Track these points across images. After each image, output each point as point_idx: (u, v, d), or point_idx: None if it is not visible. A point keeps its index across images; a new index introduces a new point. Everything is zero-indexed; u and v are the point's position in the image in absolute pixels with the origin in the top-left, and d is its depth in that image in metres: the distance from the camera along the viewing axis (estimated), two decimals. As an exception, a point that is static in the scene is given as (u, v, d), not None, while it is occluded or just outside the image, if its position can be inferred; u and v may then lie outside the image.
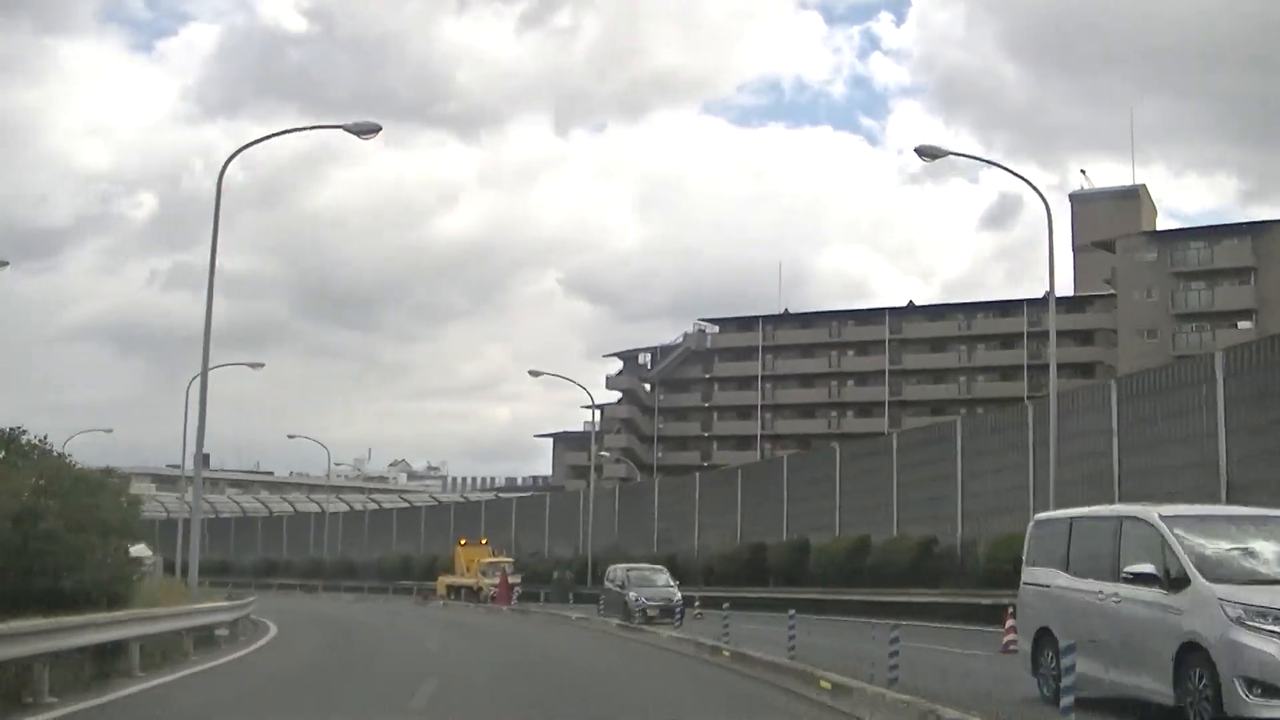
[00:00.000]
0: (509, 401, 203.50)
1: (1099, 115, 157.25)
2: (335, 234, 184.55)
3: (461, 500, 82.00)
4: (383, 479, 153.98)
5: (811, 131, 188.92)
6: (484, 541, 65.49)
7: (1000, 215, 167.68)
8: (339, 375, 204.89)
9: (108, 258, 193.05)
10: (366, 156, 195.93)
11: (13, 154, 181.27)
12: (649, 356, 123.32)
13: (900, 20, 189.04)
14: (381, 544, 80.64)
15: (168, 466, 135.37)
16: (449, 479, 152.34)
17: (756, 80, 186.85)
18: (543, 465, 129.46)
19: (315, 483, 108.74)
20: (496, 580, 56.81)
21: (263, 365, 54.82)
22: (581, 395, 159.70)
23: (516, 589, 54.50)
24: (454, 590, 62.52)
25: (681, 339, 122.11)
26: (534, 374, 60.95)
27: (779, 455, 67.34)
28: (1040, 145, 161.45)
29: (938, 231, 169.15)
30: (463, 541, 65.38)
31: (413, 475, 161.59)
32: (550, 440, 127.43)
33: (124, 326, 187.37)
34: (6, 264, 41.92)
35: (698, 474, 59.13)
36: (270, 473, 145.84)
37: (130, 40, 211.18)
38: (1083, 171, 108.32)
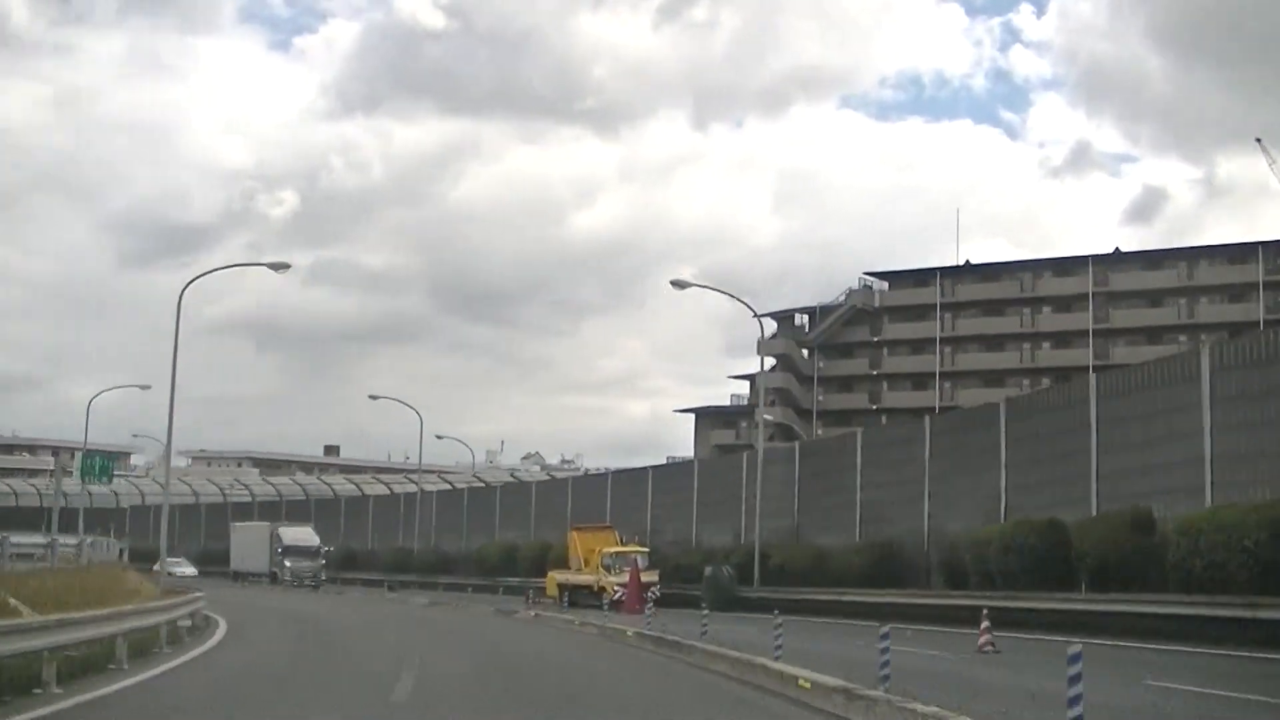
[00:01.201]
0: (647, 397, 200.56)
1: (1246, 107, 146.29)
2: (475, 230, 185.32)
3: (580, 474, 64.73)
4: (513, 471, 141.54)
5: (951, 125, 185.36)
6: (608, 526, 48.80)
7: (1144, 209, 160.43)
8: (477, 370, 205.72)
9: (249, 254, 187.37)
10: (506, 153, 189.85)
11: (157, 152, 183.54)
12: (806, 319, 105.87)
13: (1041, 12, 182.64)
14: (483, 530, 64.30)
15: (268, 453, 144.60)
16: (584, 471, 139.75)
17: (896, 74, 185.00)
18: (683, 450, 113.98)
19: (394, 466, 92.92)
20: (624, 577, 41.76)
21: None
22: (722, 388, 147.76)
23: (653, 590, 38.49)
24: (567, 590, 46.78)
25: (844, 296, 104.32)
26: (679, 285, 43.67)
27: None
28: (1184, 138, 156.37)
29: (1080, 226, 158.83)
30: (579, 526, 48.93)
31: (546, 469, 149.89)
32: (691, 417, 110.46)
33: (264, 322, 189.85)
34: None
35: (927, 419, 40.22)
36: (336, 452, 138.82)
37: (269, 38, 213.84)
38: (1258, 141, 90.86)
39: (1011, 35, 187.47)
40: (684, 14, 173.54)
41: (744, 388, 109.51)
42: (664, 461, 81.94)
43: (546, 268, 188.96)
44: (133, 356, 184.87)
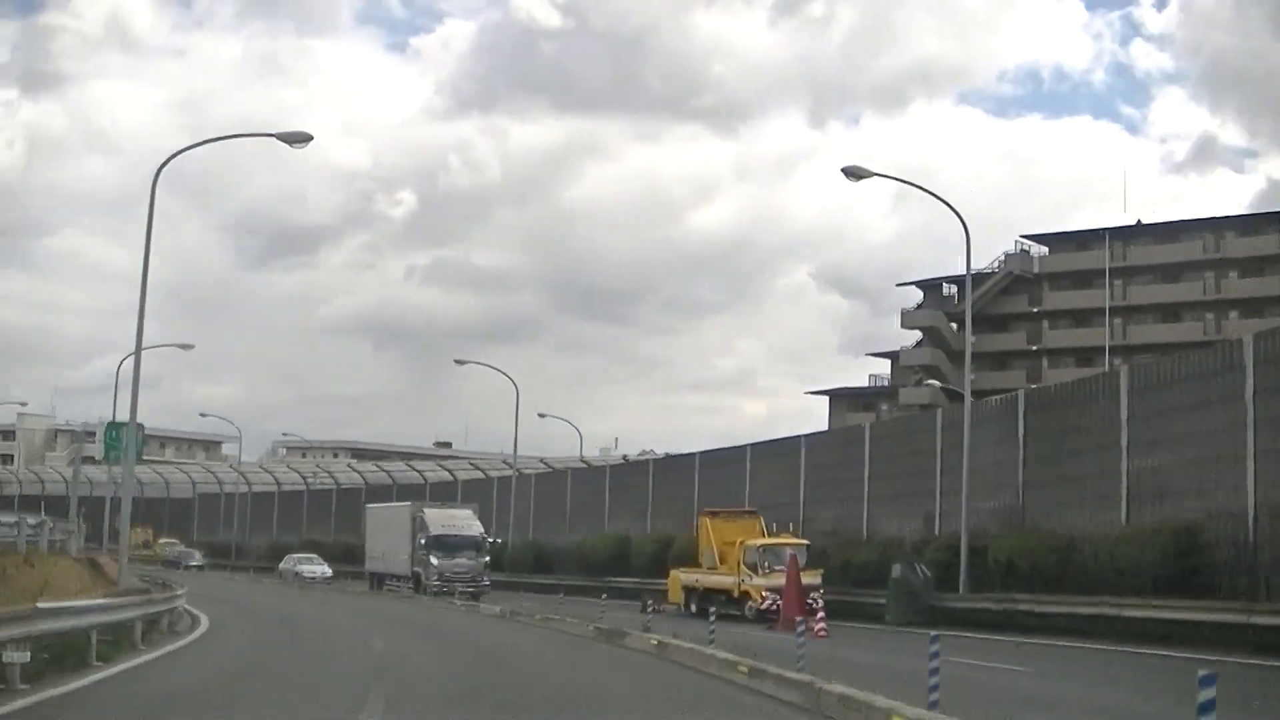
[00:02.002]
0: (764, 396, 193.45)
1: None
2: (590, 229, 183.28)
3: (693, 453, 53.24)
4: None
5: (1071, 121, 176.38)
6: (750, 511, 37.97)
7: (1270, 202, 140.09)
8: (591, 369, 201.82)
9: (366, 254, 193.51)
10: (622, 152, 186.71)
11: (276, 154, 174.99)
12: (955, 289, 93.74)
13: (1162, 5, 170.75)
14: (589, 520, 53.60)
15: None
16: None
17: (1014, 69, 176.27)
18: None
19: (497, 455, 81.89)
20: (776, 579, 31.60)
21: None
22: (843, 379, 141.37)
23: (815, 596, 29.57)
24: (695, 595, 36.53)
25: (1000, 262, 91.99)
26: (854, 174, 31.78)
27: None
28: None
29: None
30: (712, 511, 38.10)
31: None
32: (825, 401, 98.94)
33: (381, 321, 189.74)
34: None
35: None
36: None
37: (386, 39, 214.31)
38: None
39: (1132, 29, 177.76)
40: (800, 10, 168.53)
41: (883, 367, 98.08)
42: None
43: (661, 266, 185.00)
44: (250, 356, 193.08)
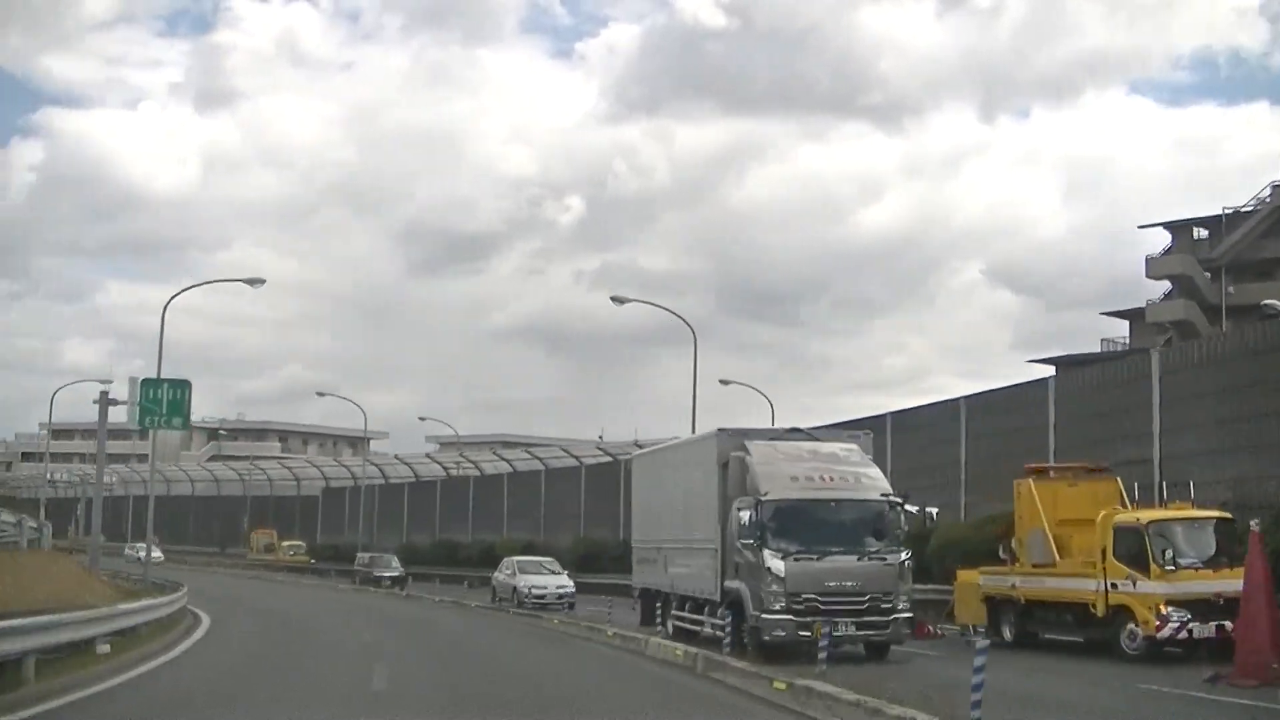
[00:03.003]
0: (934, 395, 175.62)
1: None
2: (757, 230, 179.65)
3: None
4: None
5: (1248, 109, 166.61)
6: (1102, 467, 24.65)
7: None
8: (759, 371, 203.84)
9: (536, 259, 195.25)
10: (789, 151, 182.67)
11: (445, 162, 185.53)
12: (1206, 234, 78.45)
13: None
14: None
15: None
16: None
17: (1188, 56, 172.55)
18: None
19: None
20: (1191, 584, 19.76)
21: (263, 281, 46.09)
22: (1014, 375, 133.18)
23: None
24: (1011, 610, 23.93)
25: (1267, 196, 76.23)
26: None
27: None
28: None
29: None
30: (1038, 468, 25.28)
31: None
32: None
33: (551, 326, 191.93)
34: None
35: None
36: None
37: (551, 46, 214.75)
38: None
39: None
40: (967, 2, 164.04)
41: (1119, 330, 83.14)
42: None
43: (829, 266, 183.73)
44: (422, 363, 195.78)
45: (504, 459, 70.72)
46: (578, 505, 56.51)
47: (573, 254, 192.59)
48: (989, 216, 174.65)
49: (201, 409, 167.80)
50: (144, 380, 34.80)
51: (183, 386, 35.37)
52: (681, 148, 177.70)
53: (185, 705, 15.51)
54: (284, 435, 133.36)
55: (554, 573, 40.31)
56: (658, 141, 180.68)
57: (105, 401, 33.30)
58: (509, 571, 40.67)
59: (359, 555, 59.32)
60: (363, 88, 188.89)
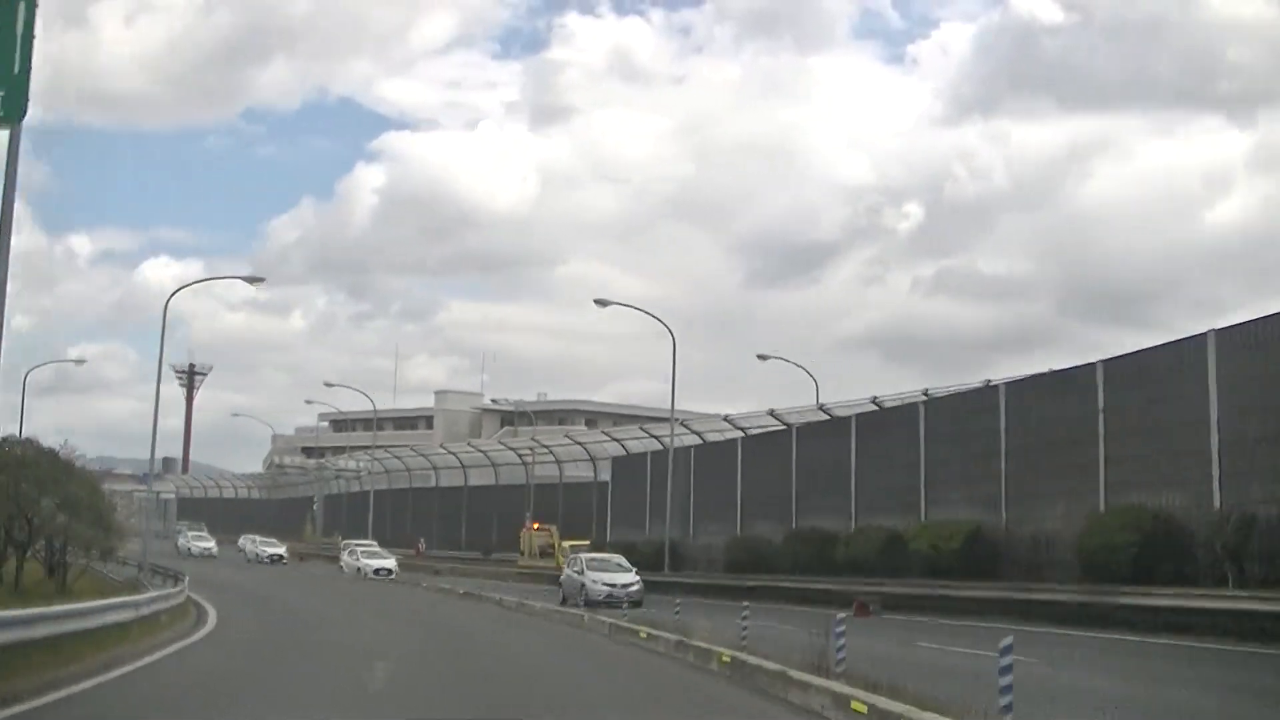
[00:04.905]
0: None
1: None
2: (1101, 230, 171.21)
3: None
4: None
5: None
6: None
7: None
8: None
9: (873, 267, 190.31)
10: (1134, 147, 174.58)
11: (782, 172, 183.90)
12: None
13: None
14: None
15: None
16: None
17: None
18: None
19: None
20: None
21: (263, 280, 52.63)
22: None
23: None
24: None
25: None
26: None
27: None
28: None
29: None
30: None
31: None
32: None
33: (889, 334, 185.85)
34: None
35: None
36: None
37: (882, 51, 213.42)
38: None
39: None
40: None
41: None
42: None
43: (1180, 266, 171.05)
44: (763, 374, 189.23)
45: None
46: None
47: (909, 261, 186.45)
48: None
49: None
50: None
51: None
52: (1019, 148, 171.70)
53: None
54: (591, 419, 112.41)
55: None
56: (994, 143, 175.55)
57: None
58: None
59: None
60: (695, 100, 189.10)
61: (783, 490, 47.13)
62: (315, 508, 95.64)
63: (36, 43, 15.35)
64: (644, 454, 60.10)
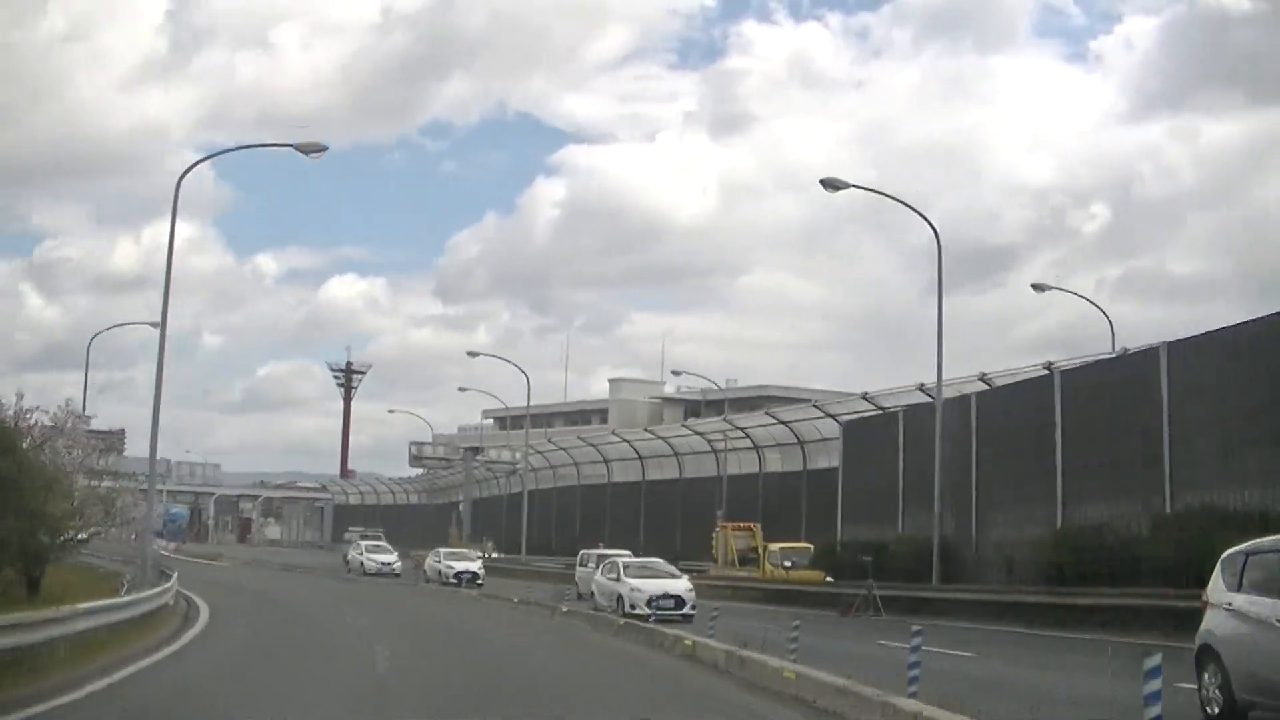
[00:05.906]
0: None
1: None
2: None
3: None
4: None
5: None
6: None
7: None
8: None
9: (1057, 269, 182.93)
10: None
11: (962, 174, 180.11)
12: None
13: None
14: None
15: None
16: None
17: None
18: None
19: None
20: None
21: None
22: None
23: None
24: None
25: None
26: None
27: None
28: None
29: None
30: None
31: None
32: None
33: (1074, 337, 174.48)
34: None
35: None
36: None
37: (1063, 49, 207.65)
38: None
39: None
40: None
41: None
42: None
43: None
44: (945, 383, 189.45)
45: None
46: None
47: (1095, 262, 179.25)
48: None
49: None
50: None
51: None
52: (1207, 144, 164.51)
53: None
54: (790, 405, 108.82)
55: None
56: (1181, 140, 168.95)
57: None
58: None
59: None
60: (875, 104, 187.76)
61: (1137, 452, 29.69)
62: (460, 509, 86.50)
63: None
64: (894, 412, 44.49)
